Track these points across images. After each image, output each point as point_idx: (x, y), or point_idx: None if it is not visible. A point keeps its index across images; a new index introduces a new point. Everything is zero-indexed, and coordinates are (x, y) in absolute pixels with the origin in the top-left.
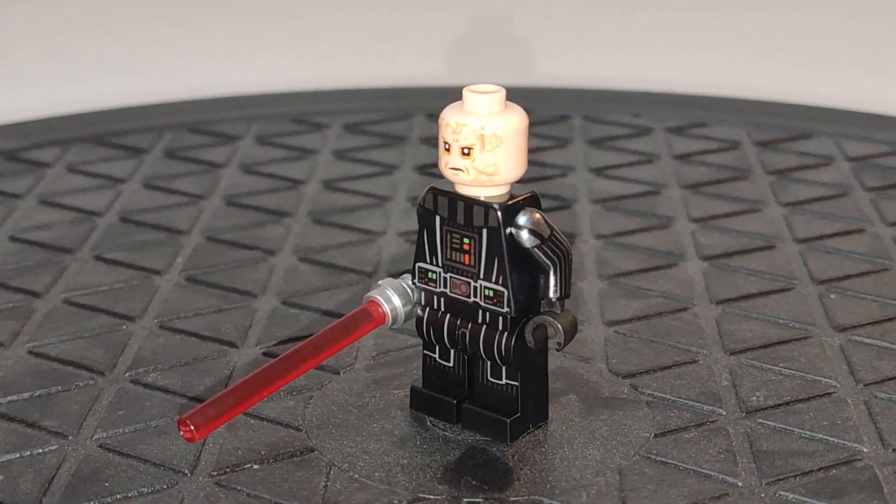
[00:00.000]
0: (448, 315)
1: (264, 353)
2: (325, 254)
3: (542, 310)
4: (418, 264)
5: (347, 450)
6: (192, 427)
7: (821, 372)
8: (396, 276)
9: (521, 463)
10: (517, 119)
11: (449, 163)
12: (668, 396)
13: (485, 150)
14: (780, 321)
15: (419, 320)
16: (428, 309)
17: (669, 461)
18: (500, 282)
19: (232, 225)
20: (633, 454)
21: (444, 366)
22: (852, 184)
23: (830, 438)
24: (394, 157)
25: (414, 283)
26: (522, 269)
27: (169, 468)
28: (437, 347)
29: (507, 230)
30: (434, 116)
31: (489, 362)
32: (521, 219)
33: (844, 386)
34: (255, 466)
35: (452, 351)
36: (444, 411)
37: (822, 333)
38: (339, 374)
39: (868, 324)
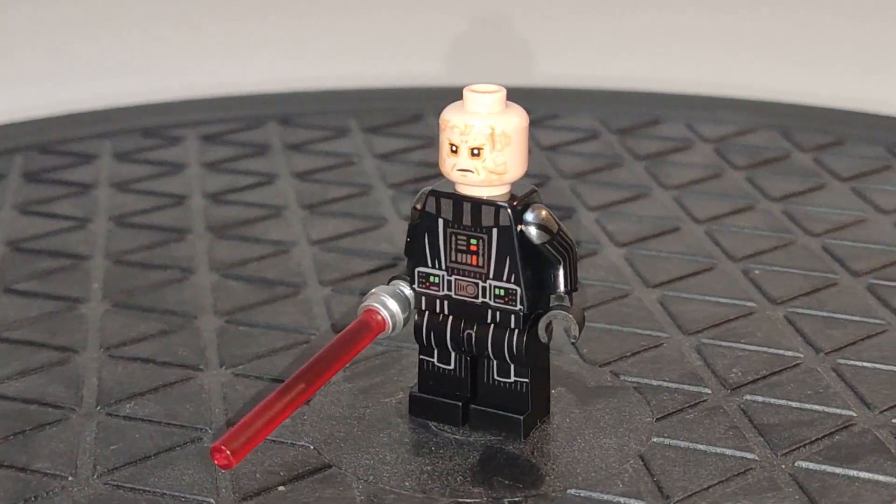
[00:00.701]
0: (451, 318)
1: (235, 375)
2: (247, 268)
3: (551, 304)
4: (418, 269)
5: (365, 462)
6: (230, 452)
7: (781, 345)
8: (386, 283)
9: (542, 458)
10: (521, 117)
11: (457, 164)
12: (651, 381)
13: (495, 150)
14: (720, 300)
15: (418, 326)
16: (427, 313)
17: (683, 443)
18: (513, 280)
19: (134, 246)
20: (645, 439)
21: (444, 369)
22: (722, 164)
23: (820, 407)
24: (267, 166)
25: (413, 289)
26: (531, 265)
27: (192, 499)
28: (436, 352)
29: (518, 228)
30: (287, 122)
31: (495, 362)
32: (530, 216)
33: (808, 356)
34: (282, 488)
35: (453, 353)
36: (448, 415)
37: (763, 308)
38: None
39: (801, 295)
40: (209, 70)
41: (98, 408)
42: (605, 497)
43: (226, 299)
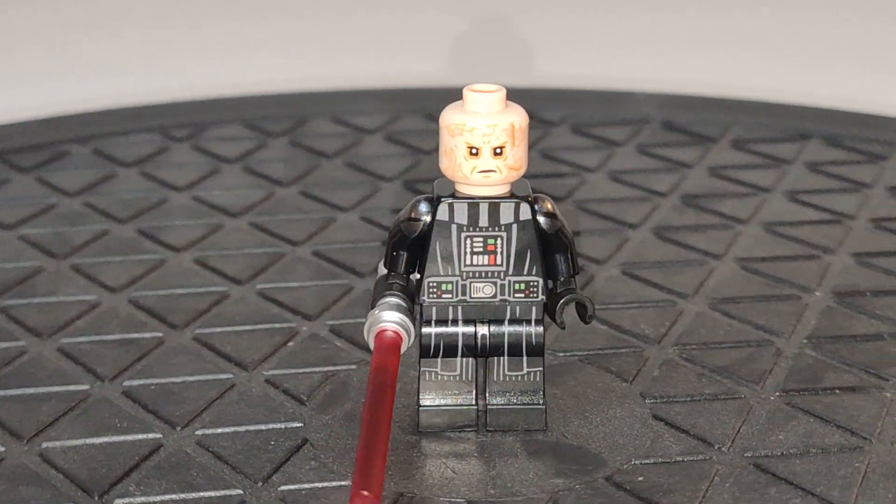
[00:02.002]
0: (460, 323)
1: (205, 434)
2: (82, 328)
3: (558, 290)
4: (428, 279)
5: (429, 482)
6: (370, 493)
7: (650, 298)
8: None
9: (580, 439)
10: (524, 112)
11: (478, 166)
12: (586, 351)
13: (515, 146)
14: None
15: (427, 337)
16: (436, 323)
17: (680, 398)
18: (534, 272)
19: None
20: (642, 401)
21: (449, 376)
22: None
23: (741, 343)
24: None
25: (422, 301)
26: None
27: None
28: (441, 360)
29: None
30: None
31: (506, 357)
32: (539, 207)
33: (682, 303)
34: None
35: (459, 359)
36: (464, 420)
37: (591, 269)
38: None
39: (614, 254)
40: (208, 70)
41: (100, 498)
42: (674, 459)
43: (99, 364)
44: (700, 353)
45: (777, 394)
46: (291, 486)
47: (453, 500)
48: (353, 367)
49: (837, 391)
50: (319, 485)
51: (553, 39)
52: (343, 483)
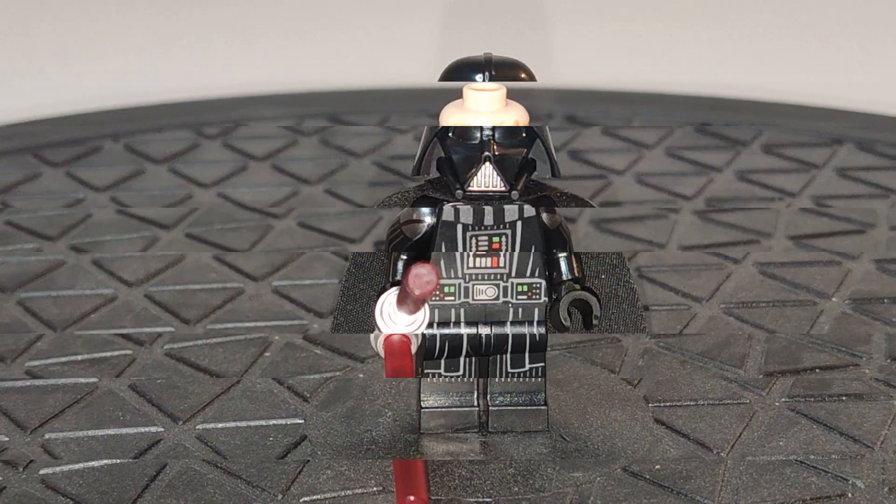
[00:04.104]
0: (462, 324)
1: (204, 429)
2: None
3: (560, 291)
4: None
5: (448, 483)
6: (417, 497)
7: None
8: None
9: (589, 432)
10: (524, 108)
11: None
12: (568, 344)
13: None
14: None
15: (431, 339)
16: (439, 325)
17: (668, 384)
18: (537, 273)
19: None
20: (636, 391)
21: (452, 377)
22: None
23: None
24: None
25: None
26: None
27: None
28: (444, 362)
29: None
30: None
31: (509, 355)
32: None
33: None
34: None
35: (462, 359)
36: (465, 421)
37: None
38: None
39: None
40: (206, 70)
41: None
42: (684, 447)
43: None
44: (675, 341)
45: (760, 376)
46: (313, 497)
47: (479, 499)
48: (339, 372)
49: (818, 370)
50: (342, 493)
51: (553, 39)
52: (364, 491)
